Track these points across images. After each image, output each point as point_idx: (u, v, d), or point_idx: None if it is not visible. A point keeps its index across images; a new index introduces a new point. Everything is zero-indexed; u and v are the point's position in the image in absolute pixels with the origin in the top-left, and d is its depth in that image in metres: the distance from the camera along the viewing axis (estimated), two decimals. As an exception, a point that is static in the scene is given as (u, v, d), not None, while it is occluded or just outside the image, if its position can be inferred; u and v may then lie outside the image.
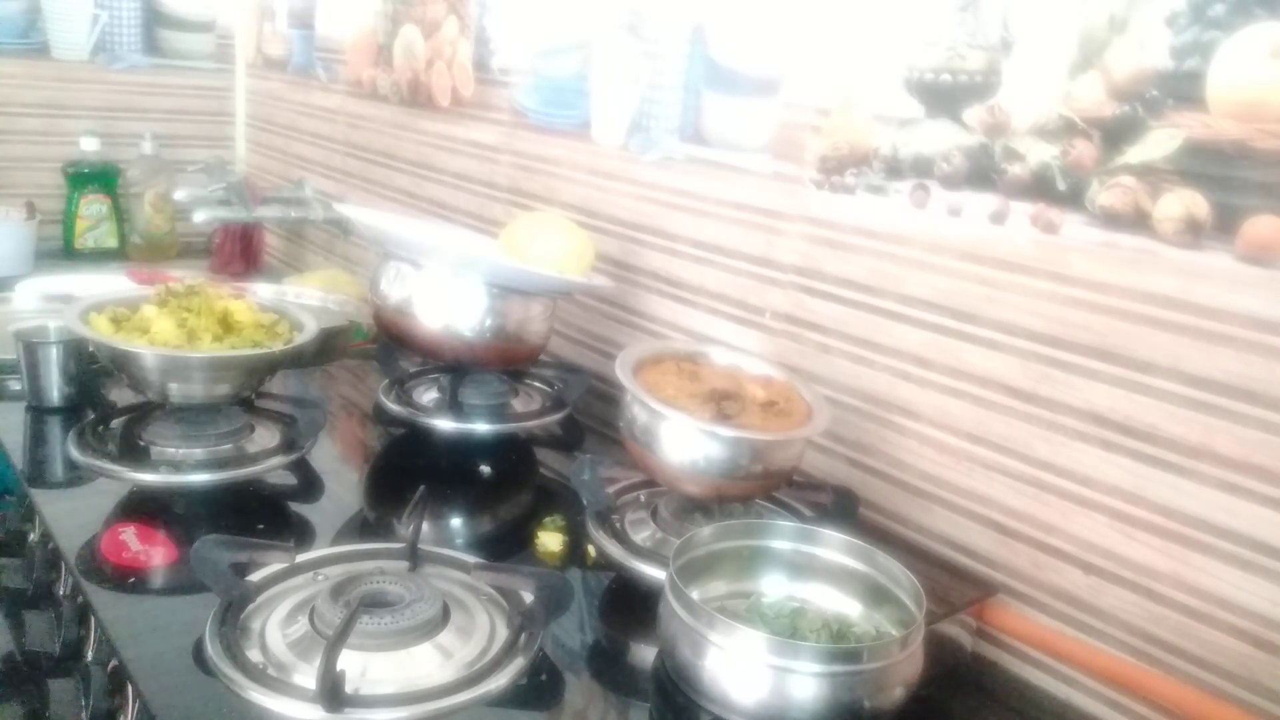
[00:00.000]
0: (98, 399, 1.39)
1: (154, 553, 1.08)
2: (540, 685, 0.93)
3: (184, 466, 1.24)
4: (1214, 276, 0.93)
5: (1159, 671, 0.99)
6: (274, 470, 1.28)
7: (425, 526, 1.09)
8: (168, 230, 2.56)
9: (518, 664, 0.92)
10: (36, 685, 1.07)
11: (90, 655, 1.02)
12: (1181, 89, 1.06)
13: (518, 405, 1.50)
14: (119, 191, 2.53)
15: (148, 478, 1.22)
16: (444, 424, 1.41)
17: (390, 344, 1.50)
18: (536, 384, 1.60)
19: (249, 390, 1.34)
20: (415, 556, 1.05)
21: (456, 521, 1.30)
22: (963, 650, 1.11)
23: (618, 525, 1.16)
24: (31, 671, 1.08)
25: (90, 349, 1.40)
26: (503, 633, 0.97)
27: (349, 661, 0.86)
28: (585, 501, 1.18)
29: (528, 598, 0.98)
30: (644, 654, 1.00)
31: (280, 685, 0.86)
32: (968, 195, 1.16)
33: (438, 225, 1.94)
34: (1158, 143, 1.05)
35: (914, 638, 0.89)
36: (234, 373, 1.28)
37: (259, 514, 1.22)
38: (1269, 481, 0.90)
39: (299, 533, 1.20)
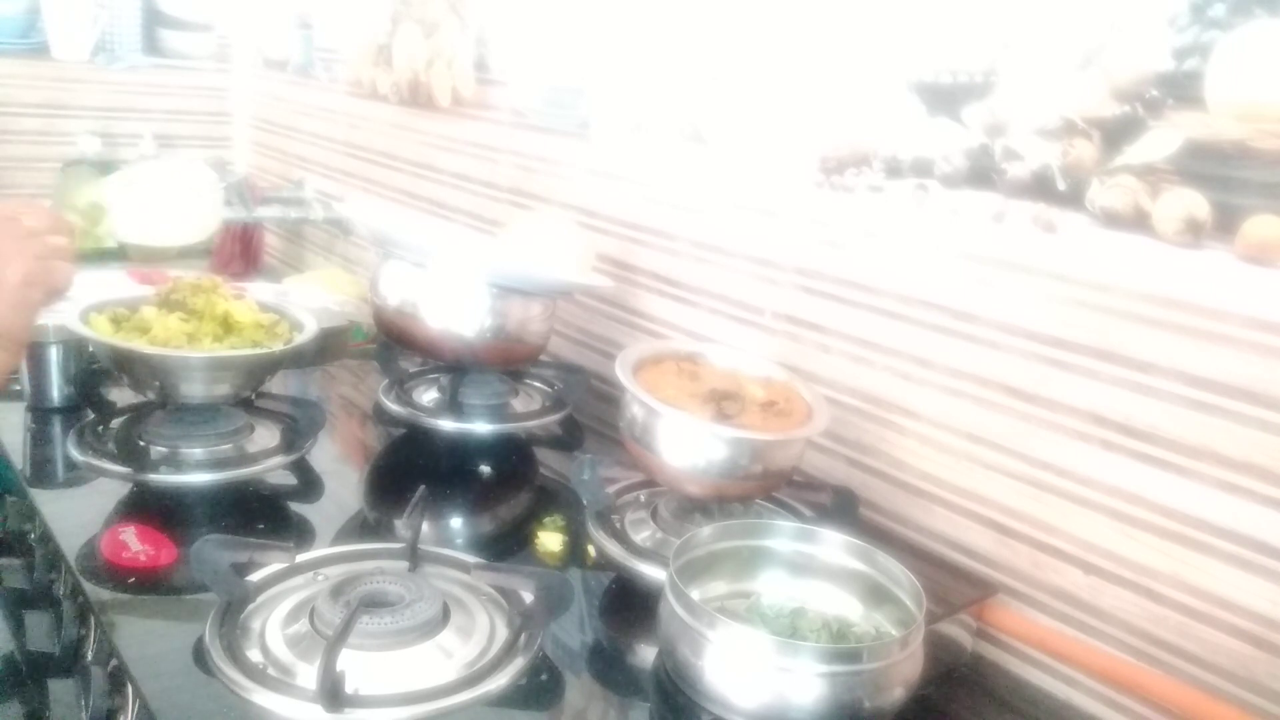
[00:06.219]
0: (98, 399, 1.39)
1: (154, 553, 1.08)
2: (540, 685, 0.93)
3: (184, 466, 1.24)
4: (1214, 276, 0.93)
5: (1159, 671, 0.99)
6: (274, 470, 1.28)
7: (425, 526, 1.08)
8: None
9: (518, 664, 0.92)
10: (36, 685, 1.07)
11: (90, 655, 1.02)
12: (1181, 89, 1.06)
13: (518, 405, 1.50)
14: (119, 191, 2.53)
15: (148, 478, 1.22)
16: (444, 424, 1.41)
17: (390, 344, 1.50)
18: (536, 384, 1.60)
19: (249, 390, 1.34)
20: (415, 556, 1.05)
21: (456, 521, 1.30)
22: (963, 650, 1.11)
23: (618, 525, 1.15)
24: (31, 671, 1.08)
25: (90, 349, 1.40)
26: (503, 633, 0.97)
27: (349, 661, 0.86)
28: (585, 501, 1.18)
29: (528, 598, 0.98)
30: (644, 654, 1.00)
31: (280, 685, 0.86)
32: (968, 195, 1.16)
33: (438, 224, 1.94)
34: (1158, 143, 1.05)
35: (914, 638, 0.89)
36: (234, 373, 1.28)
37: (259, 514, 1.22)
38: (1269, 481, 0.90)
39: (299, 533, 1.19)
